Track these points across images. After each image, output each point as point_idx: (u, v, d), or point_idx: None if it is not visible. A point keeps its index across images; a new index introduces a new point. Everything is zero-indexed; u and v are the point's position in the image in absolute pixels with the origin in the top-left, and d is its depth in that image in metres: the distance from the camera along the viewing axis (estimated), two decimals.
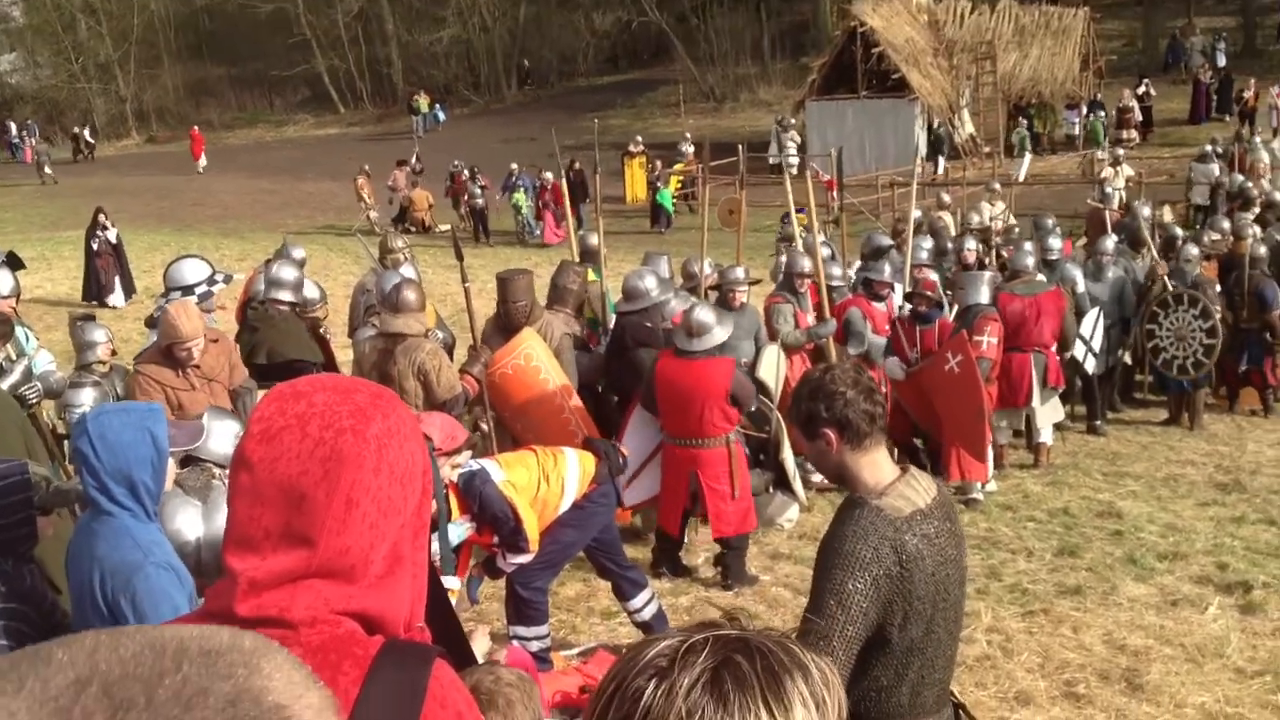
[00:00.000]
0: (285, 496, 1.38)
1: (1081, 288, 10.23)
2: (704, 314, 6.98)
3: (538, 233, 24.33)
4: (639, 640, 1.17)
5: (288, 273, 7.88)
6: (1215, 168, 18.94)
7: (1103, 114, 29.52)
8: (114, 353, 7.87)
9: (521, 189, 24.81)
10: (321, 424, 1.39)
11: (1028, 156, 26.79)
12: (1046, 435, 9.57)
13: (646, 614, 6.14)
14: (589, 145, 12.55)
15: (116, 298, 17.71)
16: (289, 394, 1.45)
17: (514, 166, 25.76)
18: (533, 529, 5.56)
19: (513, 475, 5.61)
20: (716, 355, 6.96)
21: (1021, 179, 23.08)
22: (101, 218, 18.01)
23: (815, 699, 1.09)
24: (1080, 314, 10.01)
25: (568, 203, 11.83)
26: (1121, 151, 22.16)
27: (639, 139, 30.28)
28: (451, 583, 5.50)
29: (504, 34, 52.50)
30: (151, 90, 54.86)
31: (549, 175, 23.45)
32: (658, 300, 8.05)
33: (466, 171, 26.25)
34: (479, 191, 25.01)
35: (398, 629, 1.46)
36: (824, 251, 9.67)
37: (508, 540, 5.57)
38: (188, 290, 7.24)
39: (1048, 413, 9.46)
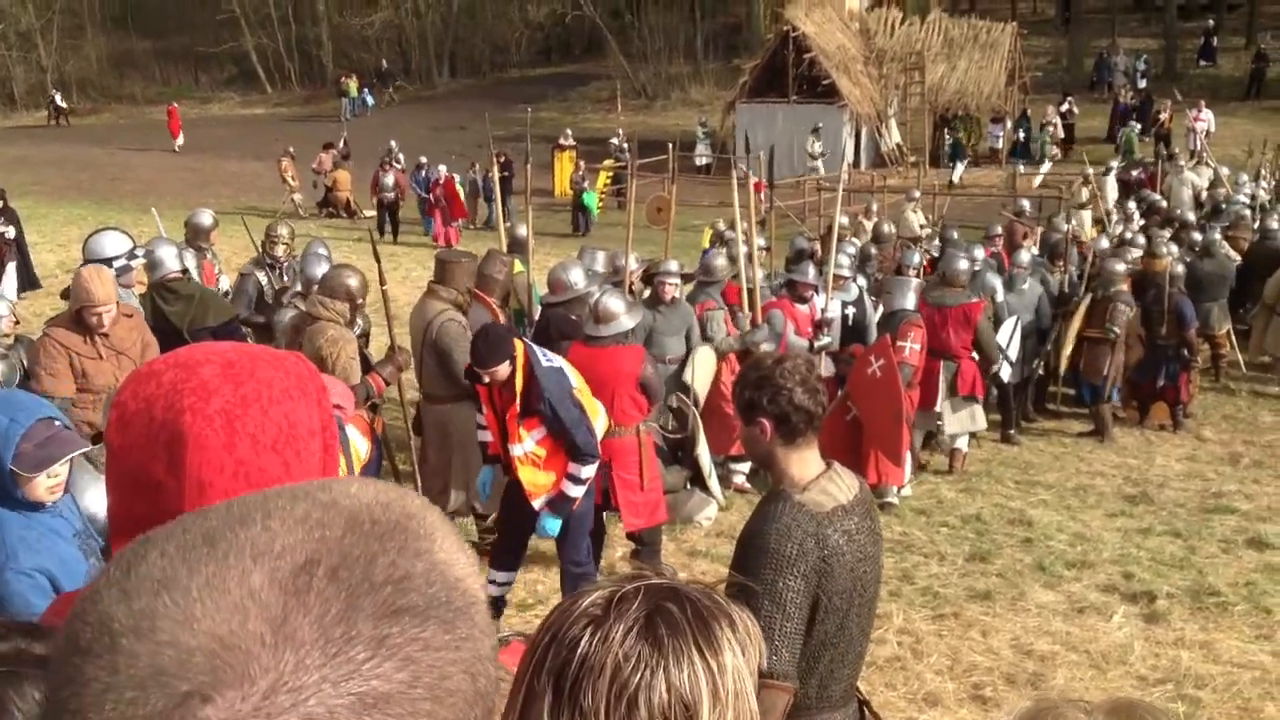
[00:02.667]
0: (144, 485, 1.33)
1: (1000, 297, 10.39)
2: (612, 301, 6.95)
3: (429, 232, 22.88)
4: (571, 594, 1.19)
5: (165, 250, 7.76)
6: (1109, 181, 19.42)
7: (1137, 125, 29.66)
8: (17, 323, 7.68)
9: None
10: (164, 405, 1.33)
11: (962, 163, 27.11)
12: (962, 443, 9.71)
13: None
14: (520, 136, 12.50)
15: (7, 286, 14.03)
16: (144, 374, 1.39)
17: (422, 159, 24.39)
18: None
19: (581, 385, 5.89)
20: (625, 344, 6.96)
21: (956, 180, 23.34)
22: None
23: (740, 644, 1.14)
24: (998, 323, 10.16)
25: (498, 193, 11.70)
26: (1106, 168, 21.08)
27: (569, 133, 30.18)
28: None
29: (437, 20, 52.07)
30: (74, 61, 53.54)
31: (442, 169, 22.47)
32: (583, 292, 8.02)
33: (330, 160, 25.01)
34: (390, 184, 23.07)
35: None
36: (744, 251, 9.72)
37: (580, 446, 5.77)
38: (106, 263, 7.09)
39: (962, 420, 9.59)
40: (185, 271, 7.81)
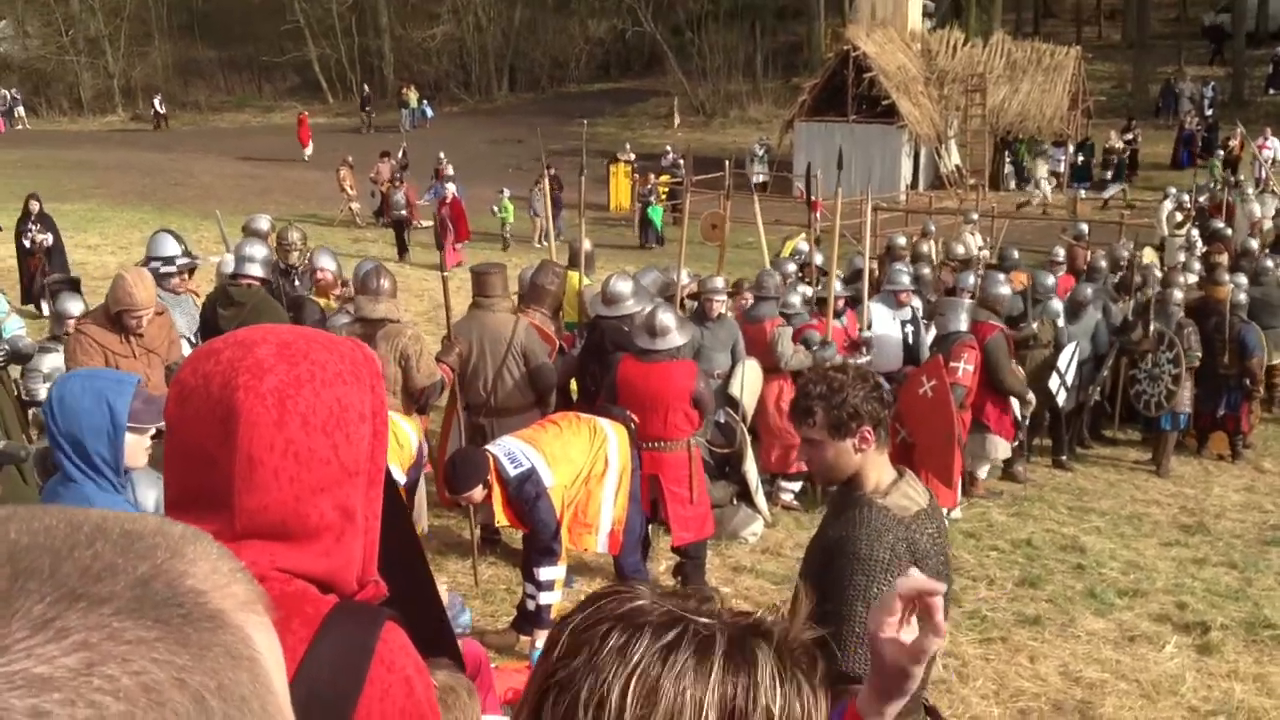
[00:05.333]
0: (199, 458, 1.36)
1: (1062, 323, 10.26)
2: (665, 315, 6.97)
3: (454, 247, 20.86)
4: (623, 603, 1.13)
5: (256, 249, 7.85)
6: (1167, 206, 19.18)
7: (1220, 152, 29.32)
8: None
9: (503, 196, 22.83)
10: (221, 382, 1.35)
11: (1115, 185, 26.74)
12: (981, 470, 9.56)
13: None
14: (577, 151, 12.53)
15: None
16: (205, 352, 1.42)
17: (447, 170, 23.32)
18: (565, 538, 5.78)
19: (559, 475, 5.71)
20: (678, 358, 6.96)
21: (1109, 196, 22.52)
22: (34, 206, 14.36)
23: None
24: (1058, 349, 10.04)
25: (547, 207, 11.75)
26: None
27: (627, 146, 30.23)
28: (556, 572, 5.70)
29: (497, 34, 52.46)
30: (140, 68, 54.52)
31: (450, 188, 21.17)
32: (637, 307, 8.02)
33: (388, 170, 23.91)
34: (402, 200, 21.66)
35: (350, 587, 1.44)
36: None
37: (541, 546, 5.67)
38: (168, 261, 7.27)
39: (972, 447, 9.34)
40: (265, 281, 7.83)
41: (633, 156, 28.78)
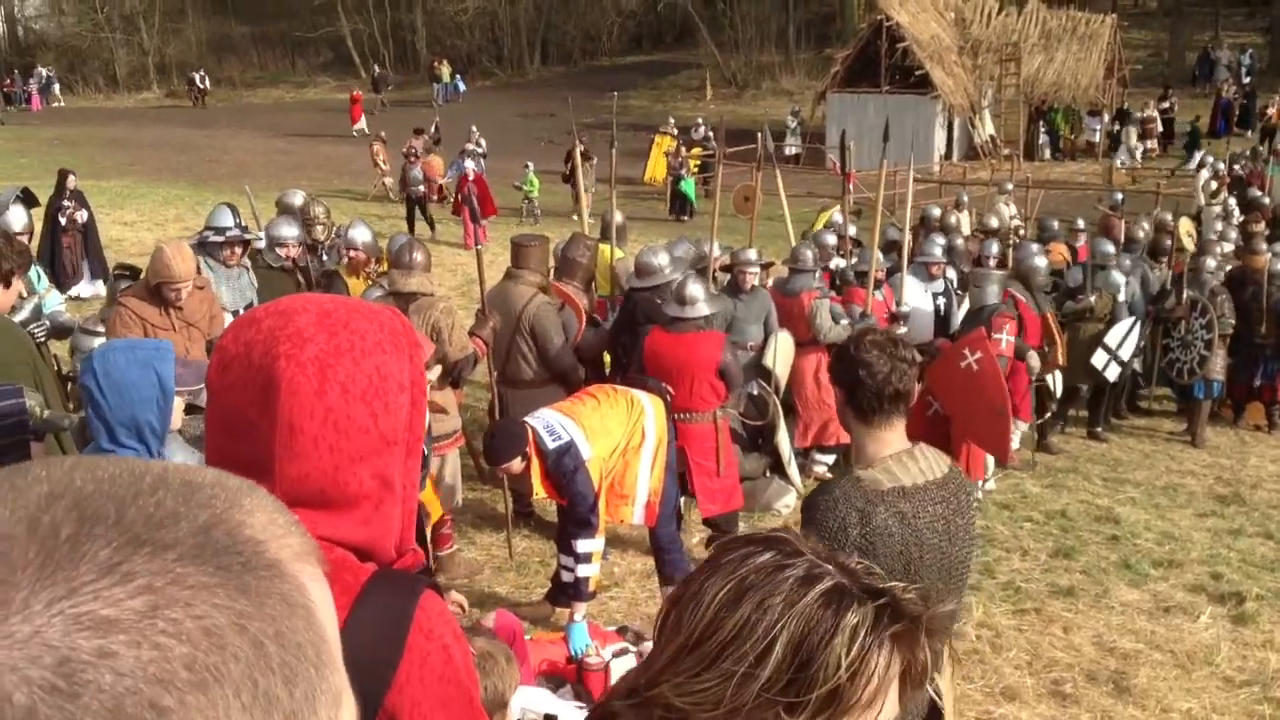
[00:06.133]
0: (240, 425, 1.37)
1: (1123, 296, 10.16)
2: (693, 286, 6.98)
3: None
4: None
5: (287, 229, 7.93)
6: (1204, 175, 19.01)
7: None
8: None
9: (528, 171, 22.38)
10: (262, 350, 1.37)
11: (1200, 154, 24.03)
12: None
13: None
14: (607, 125, 12.51)
15: (83, 286, 13.48)
16: (246, 321, 1.44)
17: (469, 145, 23.07)
18: (601, 511, 5.76)
19: (597, 448, 5.71)
20: (705, 329, 6.95)
21: (1192, 168, 21.93)
22: (71, 181, 13.75)
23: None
24: (1114, 321, 9.97)
25: (579, 182, 11.67)
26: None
27: (671, 120, 30.05)
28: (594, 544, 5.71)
29: (530, 7, 52.36)
30: (175, 44, 54.78)
31: (469, 165, 20.70)
32: (669, 279, 8.02)
33: (422, 145, 22.66)
34: (418, 177, 20.63)
35: (389, 555, 1.45)
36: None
37: (579, 518, 5.65)
38: (218, 232, 7.40)
39: None
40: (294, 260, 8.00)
41: (675, 130, 28.63)
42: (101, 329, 7.18)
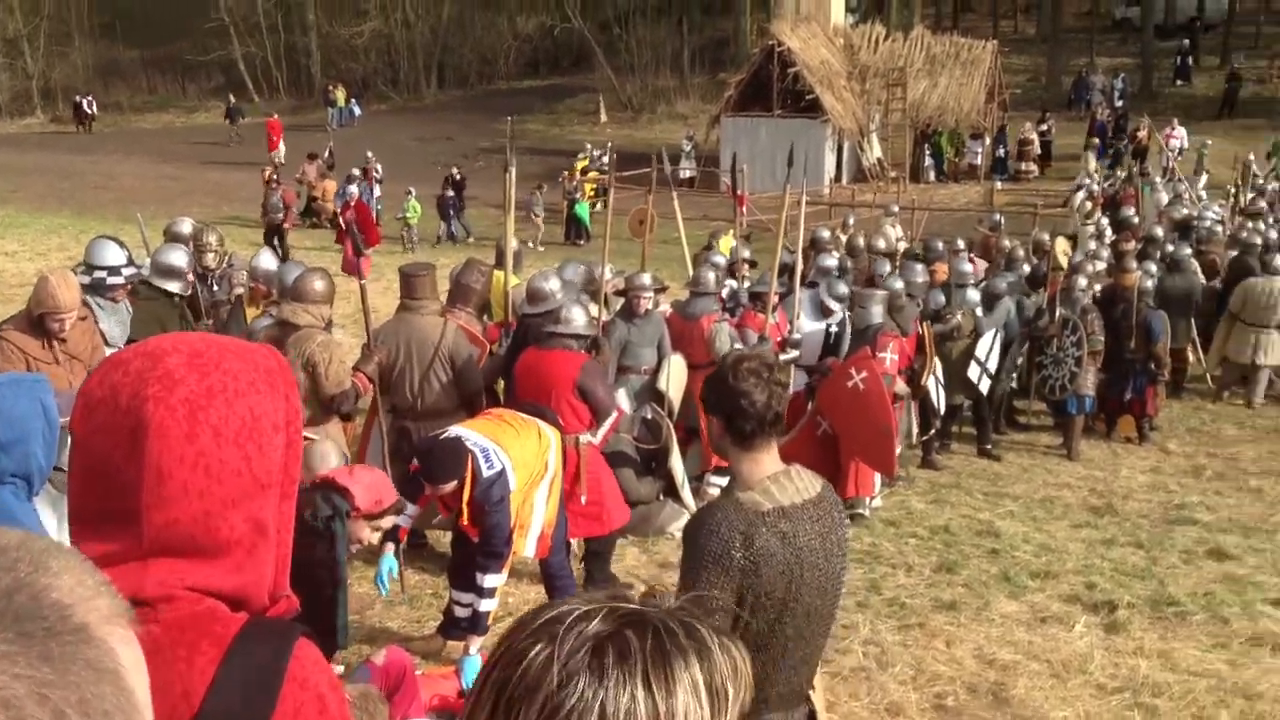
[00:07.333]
0: (105, 473, 1.32)
1: (980, 312, 10.51)
2: (574, 309, 6.98)
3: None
4: (538, 606, 1.12)
5: (177, 258, 7.73)
6: (1079, 196, 19.75)
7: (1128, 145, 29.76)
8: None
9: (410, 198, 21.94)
10: (130, 393, 1.32)
11: (1160, 194, 20.31)
12: None
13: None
14: (503, 149, 12.55)
15: None
16: (113, 362, 1.38)
17: (354, 171, 23.13)
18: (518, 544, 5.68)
19: (519, 481, 5.57)
20: (573, 349, 6.89)
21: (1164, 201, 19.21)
22: None
23: (709, 687, 1.02)
24: (977, 336, 10.30)
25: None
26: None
27: (588, 146, 30.13)
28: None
29: (426, 31, 52.17)
30: (60, 68, 53.47)
31: (353, 189, 20.50)
32: (561, 303, 8.07)
33: (315, 171, 23.12)
34: (277, 203, 20.63)
35: (262, 603, 1.42)
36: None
37: (493, 550, 5.48)
38: (114, 272, 7.08)
39: None
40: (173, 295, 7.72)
41: (597, 153, 28.35)
42: None
